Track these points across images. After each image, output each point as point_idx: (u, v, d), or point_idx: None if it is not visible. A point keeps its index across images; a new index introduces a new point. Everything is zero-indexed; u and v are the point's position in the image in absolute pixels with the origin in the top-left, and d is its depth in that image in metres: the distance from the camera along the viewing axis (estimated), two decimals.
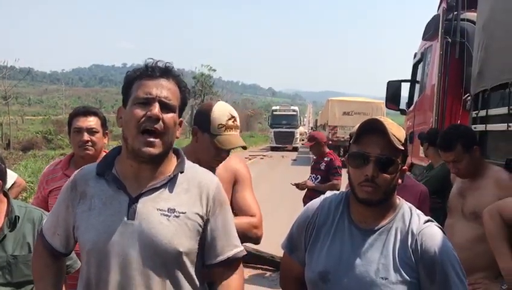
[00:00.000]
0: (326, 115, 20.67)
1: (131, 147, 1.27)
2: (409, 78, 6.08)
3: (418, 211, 1.38)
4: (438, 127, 4.20)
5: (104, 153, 2.27)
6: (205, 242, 1.36)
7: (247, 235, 1.81)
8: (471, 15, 4.18)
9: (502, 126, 2.54)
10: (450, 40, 4.29)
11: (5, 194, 1.93)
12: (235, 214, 1.87)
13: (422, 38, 5.28)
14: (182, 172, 1.34)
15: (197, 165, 1.43)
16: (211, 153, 1.84)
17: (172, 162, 1.37)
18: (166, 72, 1.32)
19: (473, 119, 3.09)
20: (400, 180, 1.34)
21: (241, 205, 1.91)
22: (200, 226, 1.32)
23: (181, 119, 1.37)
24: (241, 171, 1.98)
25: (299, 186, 4.95)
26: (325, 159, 4.91)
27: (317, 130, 24.25)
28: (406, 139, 1.34)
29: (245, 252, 1.45)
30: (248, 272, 5.10)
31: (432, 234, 1.30)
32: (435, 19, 4.60)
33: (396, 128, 1.32)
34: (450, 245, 1.30)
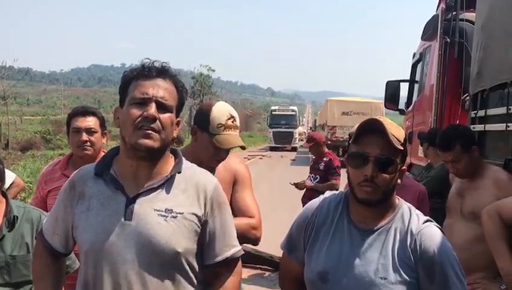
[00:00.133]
0: (325, 115, 20.69)
1: (129, 143, 1.26)
2: (408, 78, 6.08)
3: (417, 211, 1.38)
4: (437, 127, 4.21)
5: (102, 153, 2.27)
6: (204, 242, 1.36)
7: (246, 236, 1.81)
8: (470, 15, 4.18)
9: (500, 126, 2.54)
10: (448, 40, 4.30)
11: (4, 194, 1.93)
12: (234, 215, 1.87)
13: (421, 39, 5.29)
14: (179, 172, 1.34)
15: (195, 166, 1.43)
16: (210, 153, 1.84)
17: (170, 162, 1.37)
18: (163, 72, 1.32)
19: (472, 119, 3.09)
20: (399, 180, 1.34)
21: (240, 206, 1.91)
22: (198, 226, 1.32)
23: (179, 119, 1.37)
24: (241, 171, 1.98)
25: (298, 185, 4.96)
26: (324, 159, 4.91)
27: (316, 130, 24.26)
28: (405, 139, 1.34)
29: (243, 252, 1.45)
30: (247, 272, 5.10)
31: (431, 234, 1.30)
32: (434, 19, 4.61)
33: (396, 129, 1.32)
34: (449, 245, 1.30)
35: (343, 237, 1.37)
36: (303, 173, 6.10)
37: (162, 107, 1.27)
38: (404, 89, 6.05)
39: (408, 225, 1.32)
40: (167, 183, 1.32)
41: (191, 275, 1.33)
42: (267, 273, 5.26)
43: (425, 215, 1.37)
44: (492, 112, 2.75)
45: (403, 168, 1.35)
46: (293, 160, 22.11)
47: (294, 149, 29.43)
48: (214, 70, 34.79)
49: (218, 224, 1.37)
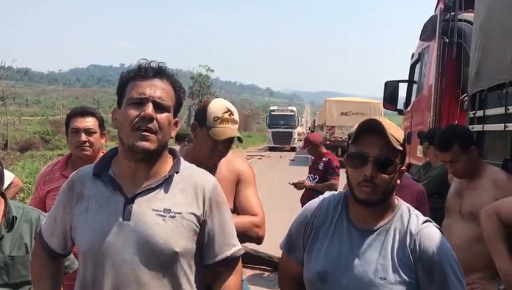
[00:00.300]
0: (324, 115, 20.71)
1: (127, 144, 1.27)
2: (407, 78, 6.09)
3: (417, 212, 1.38)
4: (435, 127, 4.21)
5: (101, 154, 2.27)
6: (203, 242, 1.36)
7: (248, 234, 1.81)
8: (468, 15, 4.19)
9: (499, 126, 2.54)
10: (447, 40, 4.31)
11: (2, 195, 1.93)
12: (238, 213, 1.87)
13: (420, 39, 5.30)
14: (177, 172, 1.34)
15: (194, 166, 1.43)
16: (209, 147, 1.85)
17: (168, 162, 1.37)
18: (160, 72, 1.32)
19: (470, 119, 3.10)
20: (398, 181, 1.34)
21: (243, 205, 1.91)
22: (197, 226, 1.32)
23: (177, 119, 1.37)
24: (244, 171, 1.98)
25: (297, 185, 4.96)
26: (323, 159, 4.91)
27: (315, 131, 24.26)
28: (404, 140, 1.34)
29: (243, 251, 1.45)
30: (246, 273, 5.09)
31: (431, 235, 1.30)
32: (432, 19, 4.62)
33: (395, 129, 1.32)
34: (449, 245, 1.31)
35: (342, 237, 1.37)
36: (302, 173, 6.10)
37: (159, 107, 1.27)
38: (402, 89, 6.06)
39: (407, 225, 1.32)
40: (165, 183, 1.32)
41: (190, 275, 1.33)
42: (266, 273, 5.26)
43: (424, 215, 1.38)
44: (490, 112, 2.75)
45: (402, 168, 1.35)
46: (292, 160, 22.10)
47: (293, 149, 29.44)
48: (212, 71, 34.81)
49: (217, 224, 1.37)
